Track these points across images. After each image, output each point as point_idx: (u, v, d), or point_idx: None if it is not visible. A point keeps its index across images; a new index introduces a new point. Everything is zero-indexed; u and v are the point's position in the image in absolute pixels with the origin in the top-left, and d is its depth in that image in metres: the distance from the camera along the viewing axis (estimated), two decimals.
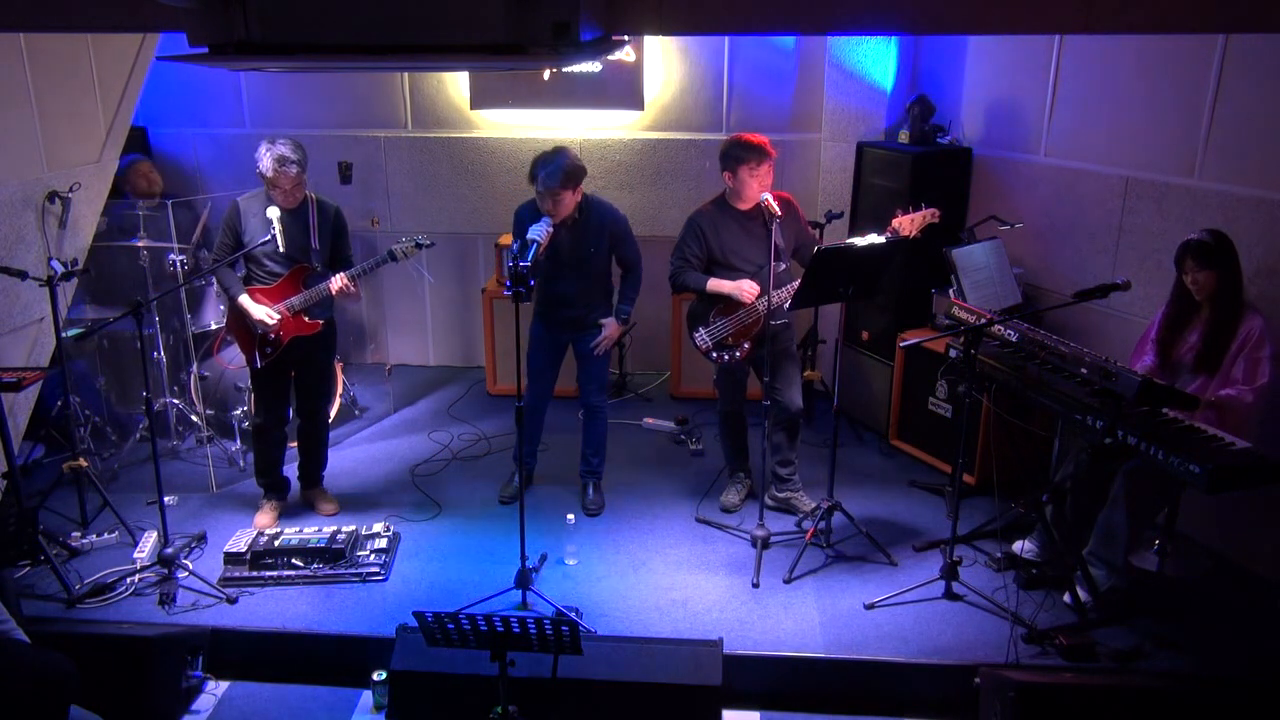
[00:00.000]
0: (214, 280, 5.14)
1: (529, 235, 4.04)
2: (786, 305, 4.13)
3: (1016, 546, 4.18)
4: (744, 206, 4.21)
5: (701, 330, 4.29)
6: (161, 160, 6.34)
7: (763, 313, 4.14)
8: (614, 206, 4.49)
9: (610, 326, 4.49)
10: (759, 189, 4.10)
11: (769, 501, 4.54)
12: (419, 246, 4.30)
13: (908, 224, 4.01)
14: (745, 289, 4.15)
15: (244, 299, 4.24)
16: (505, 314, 5.81)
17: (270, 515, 4.53)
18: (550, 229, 4.14)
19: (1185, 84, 4.22)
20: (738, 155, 4.10)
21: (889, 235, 3.97)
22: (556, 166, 4.13)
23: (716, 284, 4.21)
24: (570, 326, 4.51)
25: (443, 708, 3.42)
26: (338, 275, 4.23)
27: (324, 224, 4.30)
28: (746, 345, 4.24)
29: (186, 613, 3.84)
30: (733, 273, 4.24)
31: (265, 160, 4.07)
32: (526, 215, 4.30)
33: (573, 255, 4.35)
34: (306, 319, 4.33)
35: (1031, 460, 4.45)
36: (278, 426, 4.52)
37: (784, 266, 4.24)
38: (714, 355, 4.29)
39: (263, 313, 4.22)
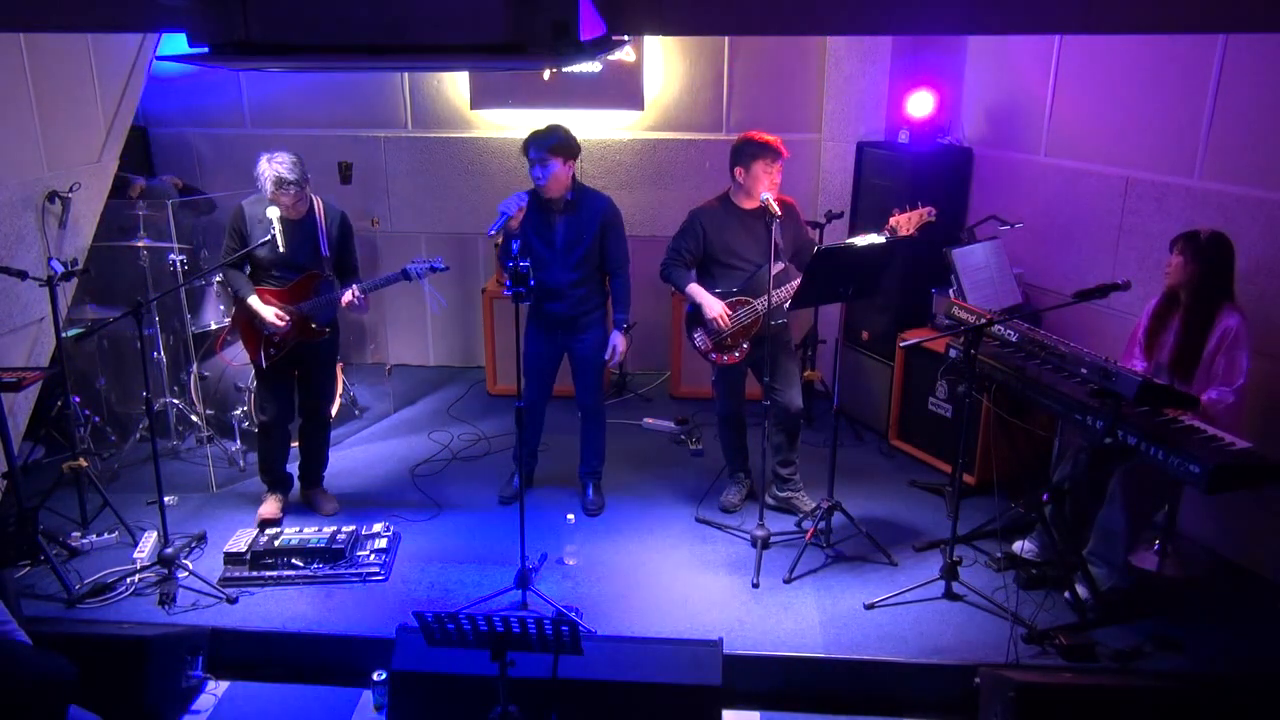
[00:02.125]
0: (214, 281, 5.16)
1: (499, 207, 4.04)
2: (786, 305, 4.13)
3: (1016, 546, 4.18)
4: (750, 205, 4.21)
5: (700, 331, 4.29)
6: (161, 160, 6.34)
7: (761, 313, 4.14)
8: (608, 196, 4.48)
9: (617, 339, 4.47)
10: (769, 187, 4.10)
11: (769, 501, 4.54)
12: (434, 270, 4.30)
13: (905, 222, 4.02)
14: (715, 311, 4.15)
15: (254, 300, 4.24)
16: (505, 314, 5.81)
17: (274, 505, 4.53)
18: (524, 204, 4.11)
19: (1185, 84, 4.22)
20: (753, 151, 4.10)
21: (887, 233, 3.97)
22: (550, 134, 4.17)
23: (693, 290, 4.23)
24: (563, 326, 4.47)
25: (443, 708, 3.42)
26: (350, 288, 4.23)
27: (330, 228, 4.30)
28: (745, 345, 4.25)
29: (186, 613, 3.84)
30: (731, 271, 4.25)
31: (264, 181, 4.07)
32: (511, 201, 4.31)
33: (566, 241, 4.33)
34: (314, 325, 4.33)
35: (1031, 460, 4.46)
36: (282, 424, 4.53)
37: (782, 266, 4.24)
38: (713, 356, 4.30)
39: (272, 314, 4.22)
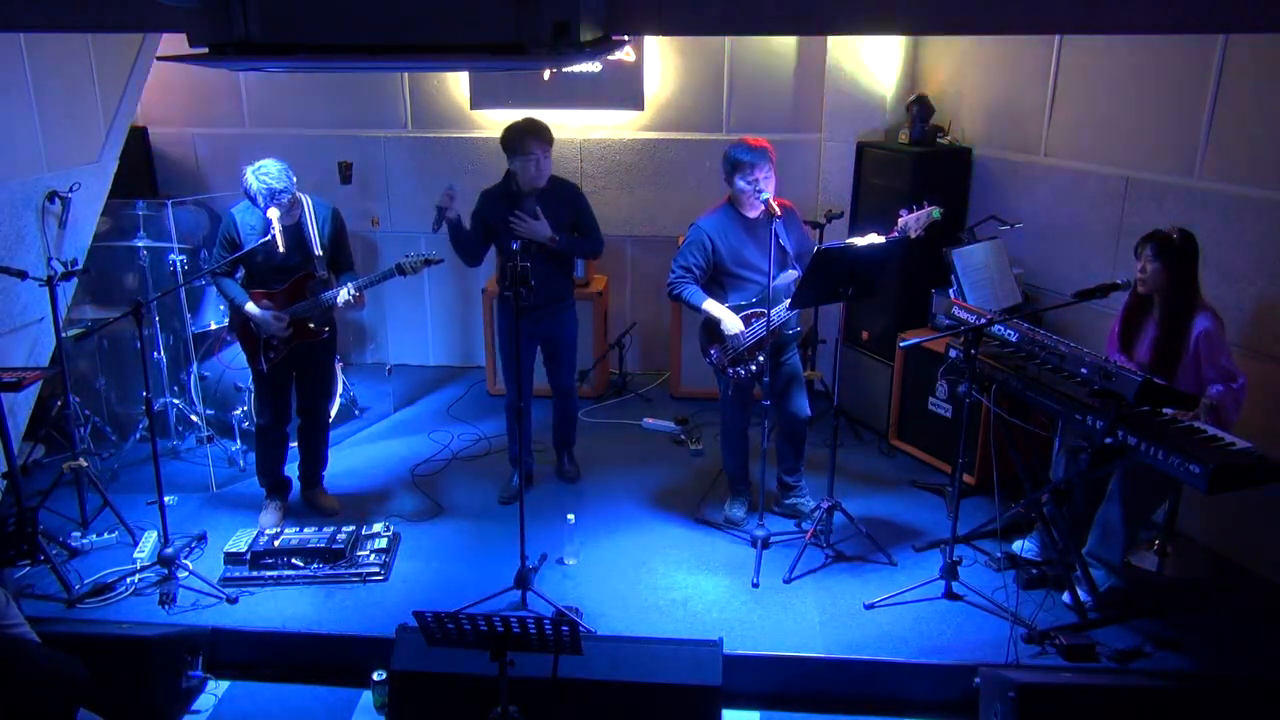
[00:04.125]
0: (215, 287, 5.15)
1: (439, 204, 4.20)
2: (786, 306, 4.10)
3: (1016, 546, 4.18)
4: (752, 213, 4.14)
5: (716, 349, 4.23)
6: (162, 160, 6.34)
7: (777, 324, 4.11)
8: (574, 183, 4.60)
9: (541, 227, 4.33)
10: (763, 189, 4.01)
11: (775, 508, 4.52)
12: (428, 263, 4.29)
13: (914, 223, 3.96)
14: (736, 329, 4.09)
15: (251, 307, 4.23)
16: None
17: (275, 516, 4.52)
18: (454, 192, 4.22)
19: (1185, 84, 4.22)
20: (730, 164, 4.06)
21: (895, 234, 3.94)
22: (541, 128, 4.26)
23: (710, 307, 4.12)
24: (533, 312, 4.30)
25: (443, 708, 3.42)
26: (345, 287, 4.22)
27: (321, 226, 4.29)
28: (761, 357, 4.15)
29: (186, 613, 3.84)
30: (742, 283, 4.17)
31: (259, 197, 4.03)
32: (490, 196, 4.38)
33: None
34: (311, 326, 4.32)
35: (1032, 460, 4.45)
36: (280, 426, 4.52)
37: (797, 273, 4.14)
38: (730, 372, 4.22)
39: (271, 316, 4.20)
